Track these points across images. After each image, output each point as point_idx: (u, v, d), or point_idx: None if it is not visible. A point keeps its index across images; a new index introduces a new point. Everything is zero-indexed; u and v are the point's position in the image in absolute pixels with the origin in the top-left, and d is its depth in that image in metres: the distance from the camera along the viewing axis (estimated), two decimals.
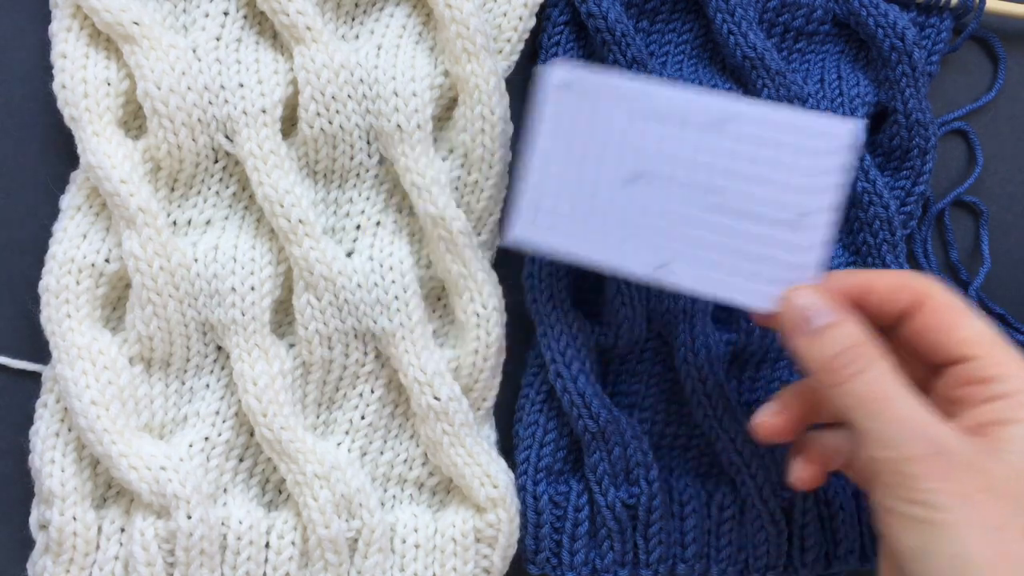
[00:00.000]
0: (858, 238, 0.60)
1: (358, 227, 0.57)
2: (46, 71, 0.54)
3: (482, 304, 0.56)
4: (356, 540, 0.55)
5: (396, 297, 0.55)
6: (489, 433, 0.58)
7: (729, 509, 0.58)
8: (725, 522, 0.58)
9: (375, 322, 0.55)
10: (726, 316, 0.60)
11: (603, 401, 0.56)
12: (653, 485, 0.57)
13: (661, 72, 0.58)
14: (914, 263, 0.63)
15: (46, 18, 0.55)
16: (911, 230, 0.62)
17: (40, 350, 0.55)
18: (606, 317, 0.58)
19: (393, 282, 0.55)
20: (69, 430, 0.54)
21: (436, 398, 0.55)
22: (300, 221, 0.54)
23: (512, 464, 0.58)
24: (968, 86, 0.65)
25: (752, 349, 0.59)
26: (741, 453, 0.57)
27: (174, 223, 0.55)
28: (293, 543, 0.55)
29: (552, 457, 0.58)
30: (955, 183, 0.64)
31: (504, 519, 0.55)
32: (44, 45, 0.55)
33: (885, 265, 0.59)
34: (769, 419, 0.52)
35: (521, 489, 0.57)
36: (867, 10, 0.60)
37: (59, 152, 0.56)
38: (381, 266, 0.55)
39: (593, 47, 0.59)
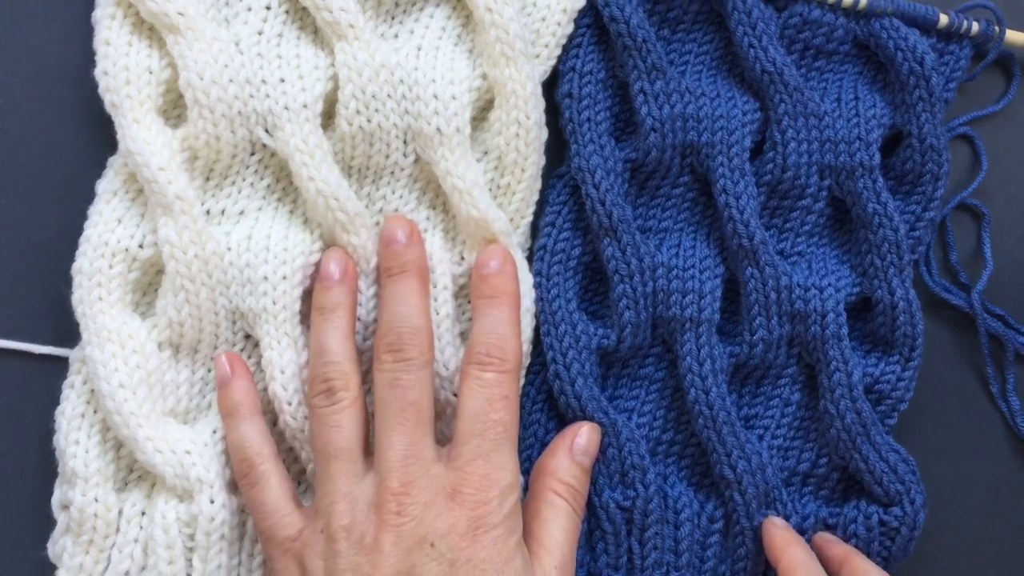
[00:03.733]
0: (865, 260, 0.60)
1: None
2: (88, 57, 0.55)
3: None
4: None
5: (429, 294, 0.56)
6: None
7: (718, 523, 0.58)
8: (713, 534, 0.58)
9: None
10: (731, 328, 0.60)
11: (599, 404, 0.57)
12: (649, 489, 0.57)
13: (679, 81, 0.59)
14: (914, 265, 0.63)
15: (90, 4, 0.55)
16: (920, 255, 0.62)
17: (64, 334, 0.56)
18: (611, 320, 0.59)
19: None
20: (95, 412, 0.54)
21: (454, 395, 0.56)
22: (358, 213, 0.54)
23: None
24: (973, 89, 0.65)
25: (755, 363, 0.60)
26: (734, 469, 0.57)
27: (207, 212, 0.56)
28: None
29: None
30: (958, 186, 0.65)
31: None
32: (87, 31, 0.55)
33: (891, 289, 0.59)
34: None
35: (521, 488, 0.57)
36: (888, 33, 0.60)
37: (98, 138, 0.56)
38: None
39: (614, 52, 0.59)
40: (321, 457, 0.52)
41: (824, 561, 0.56)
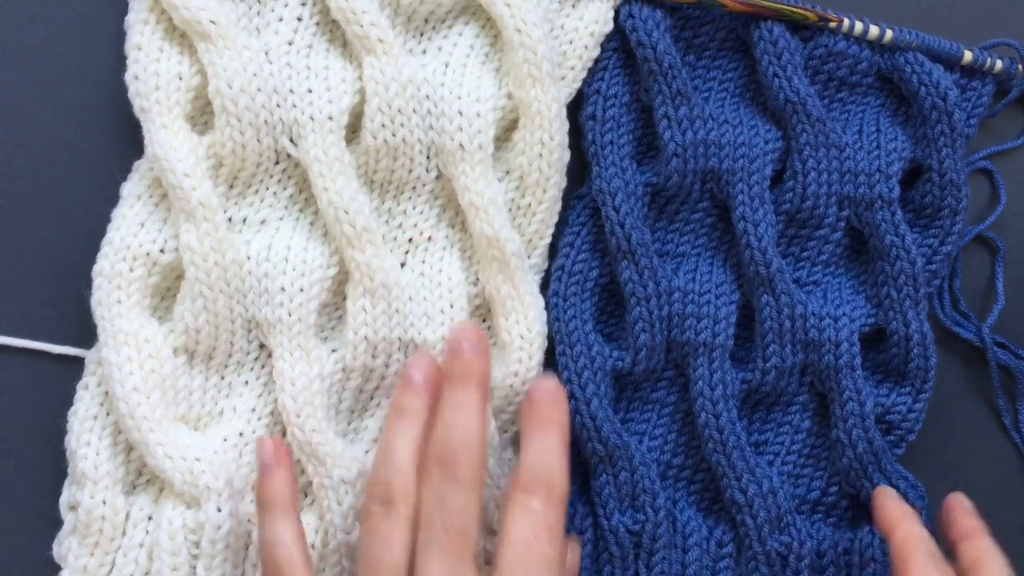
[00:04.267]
0: (881, 291, 0.60)
1: (410, 240, 0.58)
2: (119, 61, 0.55)
3: (527, 327, 0.56)
4: None
5: (442, 311, 0.56)
6: (511, 457, 0.58)
7: (727, 547, 0.58)
8: (722, 559, 0.58)
9: (419, 333, 0.56)
10: (744, 355, 0.60)
11: (614, 426, 0.57)
12: (659, 513, 0.56)
13: (703, 108, 0.59)
14: (928, 298, 0.63)
15: (123, 8, 0.56)
16: (934, 289, 0.62)
17: (82, 336, 0.56)
18: (626, 343, 0.59)
19: (441, 297, 0.56)
20: (107, 414, 0.54)
21: None
22: (365, 229, 0.54)
23: None
24: (993, 124, 0.65)
25: (766, 391, 0.60)
26: (745, 492, 0.57)
27: (230, 219, 0.56)
28: (312, 546, 0.55)
29: None
30: (974, 220, 0.64)
31: None
32: (119, 35, 0.56)
33: (906, 321, 0.59)
34: None
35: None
36: (912, 67, 0.61)
37: (125, 142, 0.57)
38: (431, 281, 0.56)
39: (639, 76, 0.60)
40: (364, 571, 0.49)
41: (945, 524, 0.55)
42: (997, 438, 0.64)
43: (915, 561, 0.52)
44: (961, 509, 0.57)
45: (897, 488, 0.58)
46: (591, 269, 0.59)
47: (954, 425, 0.64)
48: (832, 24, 0.60)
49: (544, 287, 0.59)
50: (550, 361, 0.59)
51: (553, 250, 0.60)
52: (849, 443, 0.58)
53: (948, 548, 0.55)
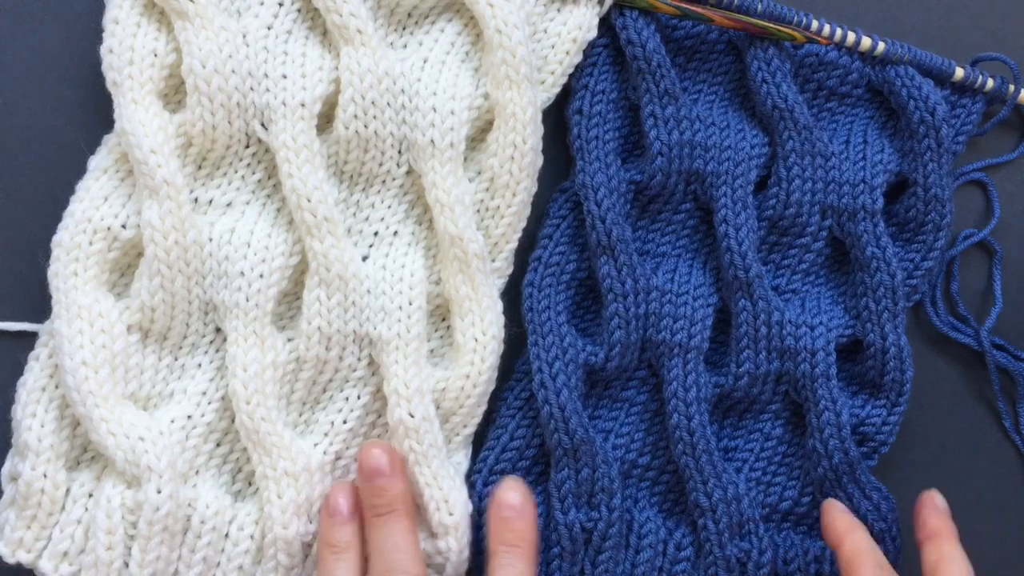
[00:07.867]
0: (860, 302, 0.60)
1: (376, 234, 0.57)
2: (96, 32, 0.55)
3: (482, 330, 0.56)
4: (311, 545, 0.54)
5: (400, 307, 0.55)
6: (462, 460, 0.57)
7: (686, 551, 0.58)
8: (680, 562, 0.57)
9: (375, 327, 0.55)
10: (718, 359, 0.60)
11: (581, 420, 0.56)
12: (613, 513, 0.56)
13: (691, 108, 0.59)
14: (919, 305, 0.63)
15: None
16: (913, 303, 0.62)
17: (41, 308, 0.55)
18: (600, 339, 0.58)
19: (400, 292, 0.56)
20: (56, 387, 0.54)
21: (410, 415, 0.55)
22: (326, 218, 0.54)
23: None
24: (983, 139, 0.65)
25: (739, 396, 0.59)
26: (710, 496, 0.57)
27: (195, 200, 0.55)
28: (252, 537, 0.54)
29: (511, 464, 0.57)
30: (969, 224, 0.64)
31: (455, 548, 0.55)
32: (98, 7, 0.55)
33: (883, 333, 0.59)
34: None
35: (471, 487, 0.56)
36: (902, 80, 0.61)
37: (96, 115, 0.56)
38: (392, 275, 0.56)
39: (628, 74, 0.59)
40: None
41: (916, 521, 0.56)
42: (997, 440, 0.64)
43: (863, 572, 0.53)
44: (933, 508, 0.57)
45: (871, 499, 0.58)
46: (568, 262, 0.59)
47: (954, 428, 0.63)
48: (820, 42, 0.60)
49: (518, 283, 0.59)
50: (514, 353, 0.58)
51: (532, 242, 0.59)
52: (825, 453, 0.58)
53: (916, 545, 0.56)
